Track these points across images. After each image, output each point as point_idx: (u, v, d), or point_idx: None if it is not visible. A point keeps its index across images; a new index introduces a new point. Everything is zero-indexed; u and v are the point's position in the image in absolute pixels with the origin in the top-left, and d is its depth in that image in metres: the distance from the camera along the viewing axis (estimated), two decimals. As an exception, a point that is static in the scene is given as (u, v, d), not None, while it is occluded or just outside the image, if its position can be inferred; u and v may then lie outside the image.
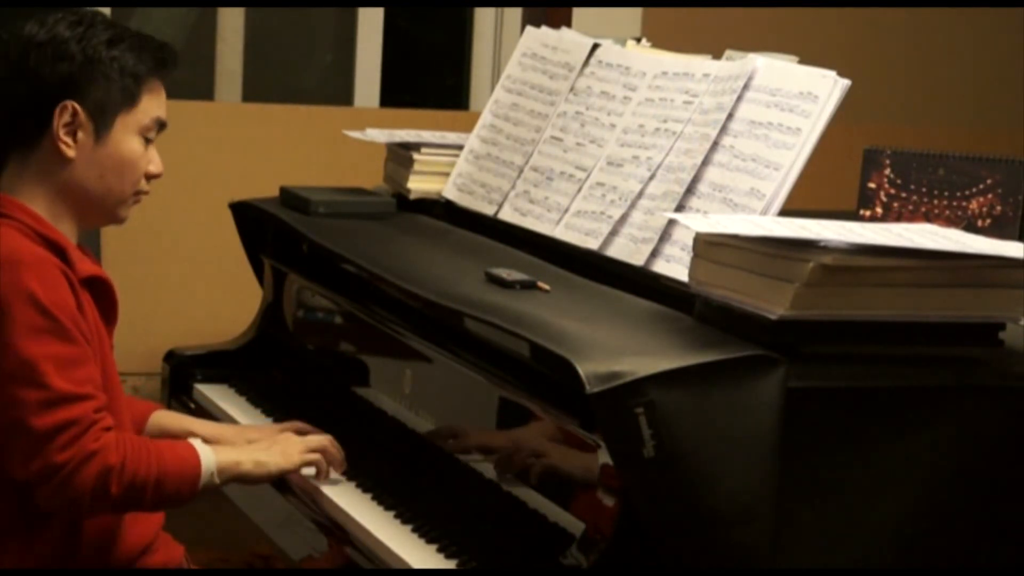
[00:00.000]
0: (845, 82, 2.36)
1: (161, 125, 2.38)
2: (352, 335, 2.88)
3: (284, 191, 3.04)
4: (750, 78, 2.46)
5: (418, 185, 3.02)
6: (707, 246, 2.11)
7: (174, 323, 3.66)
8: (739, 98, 2.46)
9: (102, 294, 2.36)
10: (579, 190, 2.66)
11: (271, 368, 3.06)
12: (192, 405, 2.99)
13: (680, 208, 2.44)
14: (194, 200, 3.68)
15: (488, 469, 2.35)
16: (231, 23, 4.01)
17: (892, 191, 2.59)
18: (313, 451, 2.46)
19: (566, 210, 2.66)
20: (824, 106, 2.35)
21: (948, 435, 2.05)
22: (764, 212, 2.32)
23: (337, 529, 2.39)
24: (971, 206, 2.53)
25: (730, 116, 2.45)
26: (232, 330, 3.18)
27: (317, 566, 2.48)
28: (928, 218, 2.56)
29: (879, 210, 2.60)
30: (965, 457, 2.07)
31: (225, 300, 3.62)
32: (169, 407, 2.97)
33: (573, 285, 2.42)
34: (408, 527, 2.30)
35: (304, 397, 2.89)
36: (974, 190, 2.52)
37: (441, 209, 2.98)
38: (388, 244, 2.74)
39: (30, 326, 2.19)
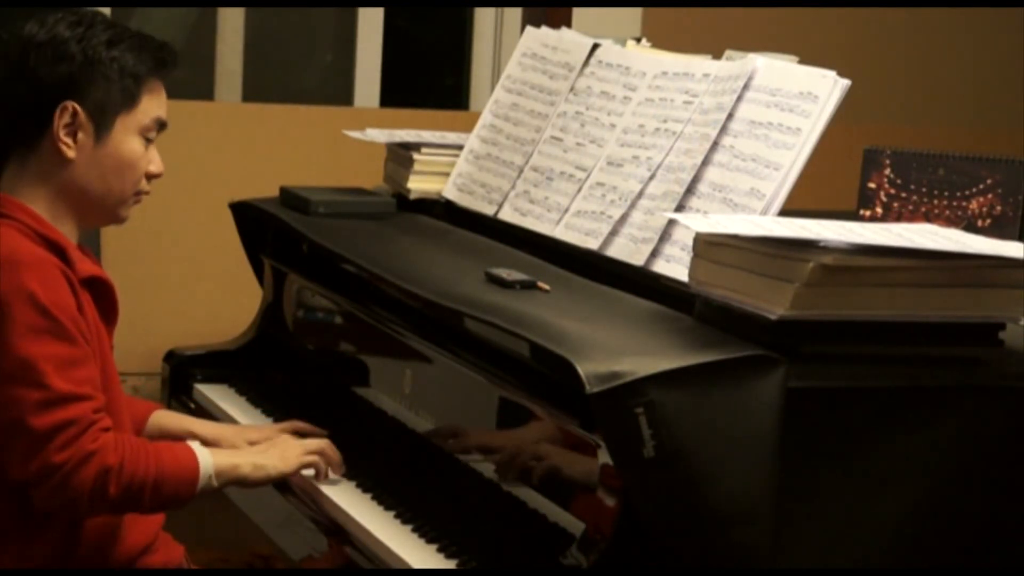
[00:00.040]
0: (845, 82, 2.36)
1: (161, 125, 2.38)
2: (352, 335, 2.88)
3: (284, 191, 3.04)
4: (750, 78, 2.46)
5: (418, 185, 3.02)
6: (707, 246, 2.11)
7: (174, 323, 3.66)
8: (739, 98, 2.46)
9: (102, 294, 2.36)
10: (579, 190, 2.66)
11: (271, 368, 3.06)
12: (192, 405, 2.99)
13: (680, 208, 2.44)
14: (194, 200, 3.68)
15: (488, 469, 2.35)
16: (231, 23, 4.01)
17: (892, 191, 2.59)
18: (311, 453, 2.46)
19: (566, 210, 2.66)
20: (824, 106, 2.35)
21: (948, 435, 2.05)
22: (764, 212, 2.32)
23: (337, 529, 2.39)
24: (971, 206, 2.53)
25: (730, 116, 2.45)
26: (232, 330, 3.18)
27: (317, 566, 2.48)
28: (928, 218, 2.56)
29: (879, 210, 2.60)
30: (965, 457, 2.07)
31: (225, 300, 3.61)
32: (169, 407, 2.97)
33: (573, 285, 2.42)
34: (408, 527, 2.30)
35: (304, 397, 2.89)
36: (974, 190, 2.52)
37: (441, 209, 2.98)
38: (388, 244, 2.74)
39: (30, 326, 2.19)
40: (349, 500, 2.41)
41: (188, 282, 3.72)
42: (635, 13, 4.04)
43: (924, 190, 2.57)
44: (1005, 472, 2.10)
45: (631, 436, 1.92)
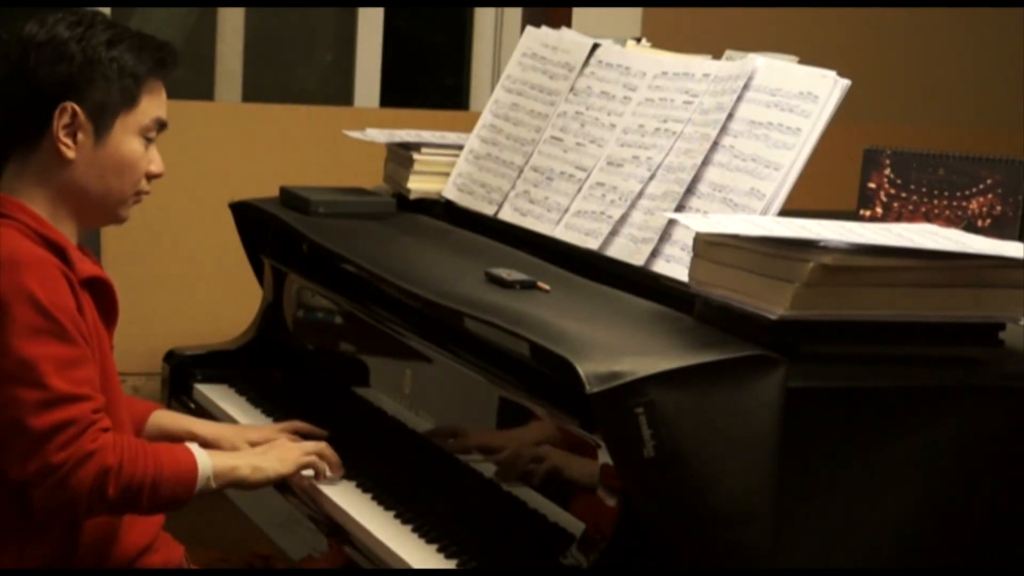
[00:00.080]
0: (845, 82, 2.36)
1: (162, 125, 2.38)
2: (352, 335, 2.88)
3: (284, 191, 3.04)
4: (750, 78, 2.46)
5: (418, 185, 3.02)
6: (707, 246, 2.11)
7: (174, 323, 3.66)
8: (739, 98, 2.46)
9: (102, 295, 2.35)
10: (579, 190, 2.66)
11: (271, 368, 3.06)
12: (192, 405, 2.99)
13: (680, 208, 2.44)
14: (194, 200, 3.68)
15: (488, 469, 2.35)
16: (231, 23, 4.01)
17: (892, 191, 2.59)
18: (309, 455, 2.46)
19: (566, 210, 2.66)
20: (824, 106, 2.35)
21: (948, 435, 2.05)
22: (764, 212, 2.32)
23: (337, 529, 2.39)
24: (971, 206, 2.53)
25: (730, 116, 2.45)
26: (232, 330, 3.18)
27: (317, 566, 2.48)
28: (928, 218, 2.56)
29: (879, 210, 2.60)
30: (965, 457, 2.07)
31: (225, 300, 3.61)
32: (169, 407, 2.97)
33: (573, 285, 2.42)
34: (408, 527, 2.30)
35: (304, 397, 2.89)
36: (974, 190, 2.52)
37: (441, 209, 2.98)
38: (388, 244, 2.74)
39: (30, 326, 2.19)
40: (349, 500, 2.41)
41: (188, 282, 3.72)
42: (635, 13, 4.04)
43: (924, 190, 2.57)
44: (1005, 472, 2.10)
45: (631, 436, 1.92)
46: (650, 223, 2.46)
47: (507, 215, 2.80)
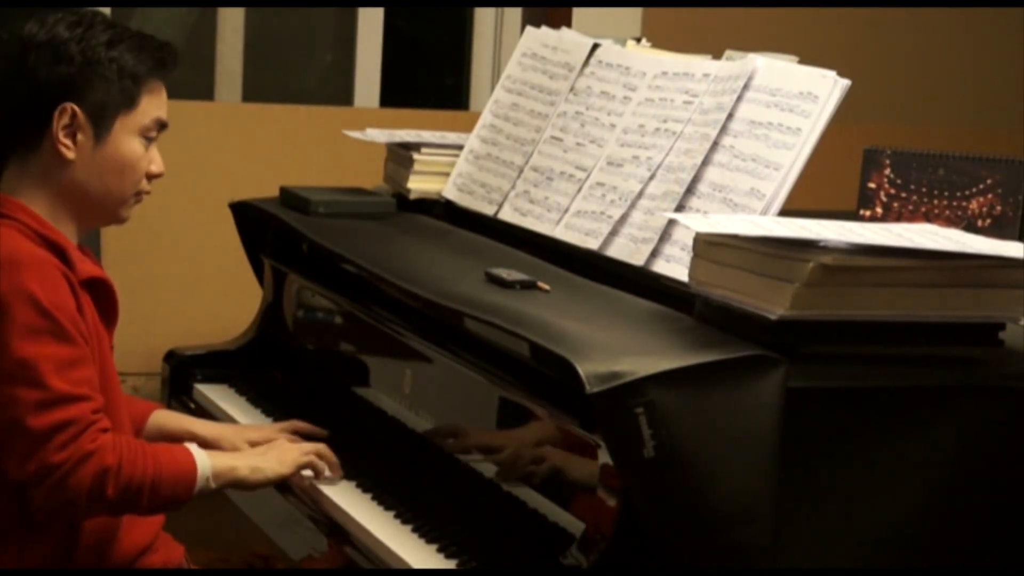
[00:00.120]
0: (845, 82, 2.36)
1: (162, 125, 2.38)
2: (352, 335, 2.88)
3: (284, 191, 3.04)
4: (750, 78, 2.46)
5: (418, 185, 3.02)
6: (707, 246, 2.11)
7: (174, 323, 3.66)
8: (739, 98, 2.46)
9: (102, 295, 2.35)
10: (579, 190, 2.66)
11: (271, 368, 3.06)
12: (192, 405, 2.99)
13: (680, 208, 2.44)
14: (194, 200, 3.68)
15: (488, 469, 2.35)
16: (231, 23, 4.01)
17: (892, 191, 2.59)
18: (308, 455, 2.46)
19: (566, 210, 2.66)
20: (824, 106, 2.35)
21: (948, 435, 2.05)
22: (764, 212, 2.32)
23: (337, 529, 2.39)
24: (971, 206, 2.53)
25: (730, 116, 2.45)
26: (232, 330, 3.18)
27: (317, 566, 2.48)
28: (928, 218, 2.56)
29: (879, 210, 2.60)
30: (965, 457, 2.07)
31: (225, 300, 3.61)
32: (169, 407, 2.96)
33: (573, 285, 2.42)
34: (408, 527, 2.30)
35: (304, 397, 2.89)
36: (974, 190, 2.52)
37: (441, 209, 2.98)
38: (388, 244, 2.74)
39: (29, 327, 2.19)
40: (349, 500, 2.41)
41: (188, 282, 3.72)
42: (635, 13, 4.04)
43: (924, 190, 2.57)
44: (1005, 472, 2.10)
45: (631, 436, 1.92)
46: (650, 223, 2.46)
47: (507, 215, 2.80)
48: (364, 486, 2.45)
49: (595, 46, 2.84)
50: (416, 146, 3.02)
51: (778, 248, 2.00)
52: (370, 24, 4.11)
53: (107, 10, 3.65)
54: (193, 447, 2.36)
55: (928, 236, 2.07)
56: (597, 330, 2.11)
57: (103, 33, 2.32)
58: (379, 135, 3.09)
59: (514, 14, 4.16)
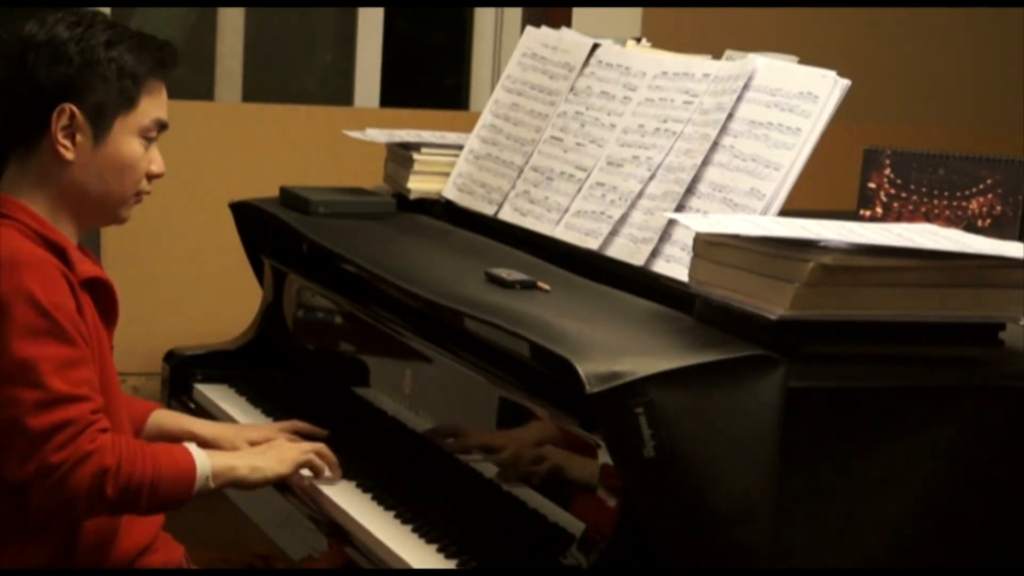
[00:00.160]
0: (845, 82, 2.36)
1: (162, 126, 2.38)
2: (352, 335, 2.88)
3: (284, 191, 3.04)
4: (750, 78, 2.46)
5: (418, 185, 3.02)
6: (707, 246, 2.11)
7: (174, 323, 3.66)
8: (739, 98, 2.46)
9: (102, 295, 2.35)
10: (579, 190, 2.66)
11: (271, 368, 3.06)
12: (192, 405, 2.99)
13: (680, 208, 2.44)
14: (194, 200, 3.68)
15: (488, 469, 2.35)
16: (231, 23, 4.01)
17: (892, 191, 2.59)
18: (307, 455, 2.46)
19: (566, 210, 2.66)
20: (824, 106, 2.35)
21: (948, 435, 2.05)
22: (764, 212, 2.32)
23: (337, 529, 2.39)
24: (971, 206, 2.53)
25: (730, 116, 2.45)
26: (232, 330, 3.18)
27: (317, 566, 2.48)
28: (928, 218, 2.56)
29: (879, 210, 2.60)
30: (965, 457, 2.07)
31: (225, 300, 3.61)
32: (169, 407, 2.96)
33: (573, 285, 2.42)
34: (408, 527, 2.30)
35: (304, 397, 2.89)
36: (974, 190, 2.52)
37: (441, 209, 2.98)
38: (388, 244, 2.74)
39: (29, 327, 2.19)
40: (349, 500, 2.41)
41: (188, 282, 3.72)
42: (635, 13, 4.04)
43: (924, 190, 2.57)
44: (1005, 472, 2.10)
45: (631, 436, 1.92)
46: (650, 223, 2.46)
47: (507, 215, 2.80)
48: (364, 486, 2.45)
49: (595, 46, 2.84)
50: (416, 146, 3.02)
51: (778, 248, 2.00)
52: (370, 24, 4.11)
53: (107, 10, 3.65)
54: (192, 447, 2.35)
55: (928, 236, 2.07)
56: (597, 330, 2.11)
57: (102, 33, 2.32)
58: (379, 135, 3.09)
59: (514, 14, 4.16)
